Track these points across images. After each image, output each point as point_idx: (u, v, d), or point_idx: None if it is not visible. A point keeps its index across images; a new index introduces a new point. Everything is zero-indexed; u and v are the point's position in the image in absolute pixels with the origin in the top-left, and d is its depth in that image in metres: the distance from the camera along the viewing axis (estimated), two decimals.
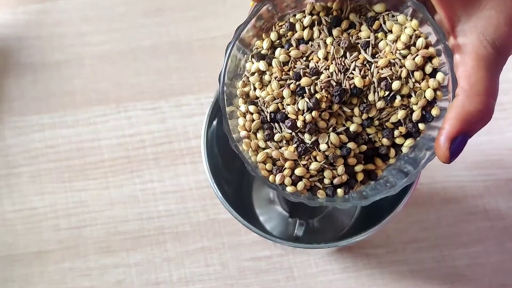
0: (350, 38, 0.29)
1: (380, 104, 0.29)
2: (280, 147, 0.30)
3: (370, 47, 0.29)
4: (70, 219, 0.49)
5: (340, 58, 0.29)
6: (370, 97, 0.29)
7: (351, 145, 0.30)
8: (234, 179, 0.48)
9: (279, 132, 0.30)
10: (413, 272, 0.46)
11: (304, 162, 0.30)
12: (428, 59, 0.29)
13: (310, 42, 0.30)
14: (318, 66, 0.29)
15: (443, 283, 0.46)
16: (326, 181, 0.30)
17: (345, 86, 0.29)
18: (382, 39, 0.29)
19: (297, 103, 0.29)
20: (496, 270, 0.46)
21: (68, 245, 0.48)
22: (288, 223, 0.48)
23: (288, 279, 0.46)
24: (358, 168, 0.31)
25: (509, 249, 0.46)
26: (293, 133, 0.30)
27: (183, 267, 0.47)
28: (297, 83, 0.29)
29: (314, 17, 0.30)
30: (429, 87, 0.28)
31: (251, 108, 0.30)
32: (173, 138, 0.51)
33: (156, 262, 0.47)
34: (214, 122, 0.40)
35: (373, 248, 0.47)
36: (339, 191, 0.31)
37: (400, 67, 0.28)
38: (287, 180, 0.30)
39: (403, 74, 0.28)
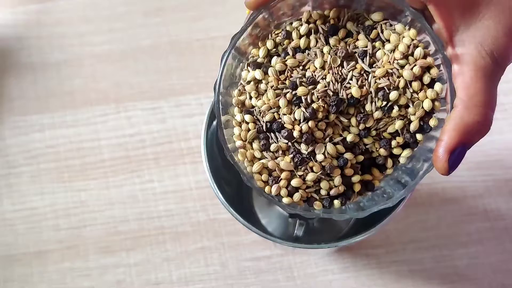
0: (347, 47, 0.29)
1: (377, 114, 0.29)
2: (276, 157, 0.30)
3: (368, 57, 0.29)
4: (70, 219, 0.49)
5: (337, 68, 0.29)
6: (367, 107, 0.29)
7: (348, 155, 0.30)
8: (234, 179, 0.48)
9: (275, 142, 0.30)
10: (412, 272, 0.46)
11: (300, 173, 0.30)
12: (426, 69, 0.28)
13: (306, 51, 0.30)
14: (315, 76, 0.29)
15: (443, 283, 0.46)
16: (323, 192, 0.30)
17: (342, 96, 0.29)
18: (379, 49, 0.29)
19: (294, 112, 0.29)
20: (496, 270, 0.46)
21: (68, 245, 0.48)
22: (288, 223, 0.48)
23: (288, 279, 0.46)
24: (355, 178, 0.30)
25: (509, 249, 0.46)
26: (289, 143, 0.29)
27: (183, 267, 0.47)
28: (294, 92, 0.29)
29: (311, 25, 0.30)
30: (427, 97, 0.28)
31: (247, 117, 0.30)
32: (173, 138, 0.51)
33: (156, 262, 0.47)
34: (214, 122, 0.40)
35: (373, 248, 0.47)
36: (336, 202, 0.30)
37: (398, 77, 0.28)
38: (283, 191, 0.30)
39: (401, 84, 0.28)
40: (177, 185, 0.50)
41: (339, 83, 0.29)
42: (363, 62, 0.29)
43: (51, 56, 0.55)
